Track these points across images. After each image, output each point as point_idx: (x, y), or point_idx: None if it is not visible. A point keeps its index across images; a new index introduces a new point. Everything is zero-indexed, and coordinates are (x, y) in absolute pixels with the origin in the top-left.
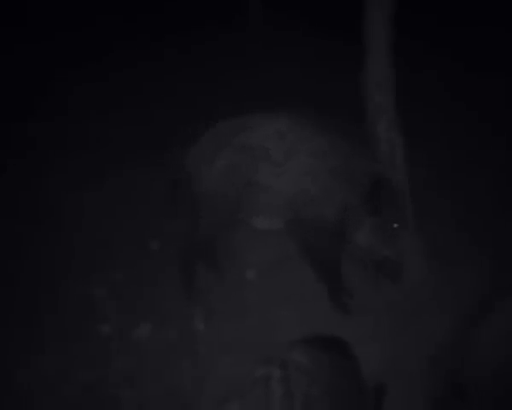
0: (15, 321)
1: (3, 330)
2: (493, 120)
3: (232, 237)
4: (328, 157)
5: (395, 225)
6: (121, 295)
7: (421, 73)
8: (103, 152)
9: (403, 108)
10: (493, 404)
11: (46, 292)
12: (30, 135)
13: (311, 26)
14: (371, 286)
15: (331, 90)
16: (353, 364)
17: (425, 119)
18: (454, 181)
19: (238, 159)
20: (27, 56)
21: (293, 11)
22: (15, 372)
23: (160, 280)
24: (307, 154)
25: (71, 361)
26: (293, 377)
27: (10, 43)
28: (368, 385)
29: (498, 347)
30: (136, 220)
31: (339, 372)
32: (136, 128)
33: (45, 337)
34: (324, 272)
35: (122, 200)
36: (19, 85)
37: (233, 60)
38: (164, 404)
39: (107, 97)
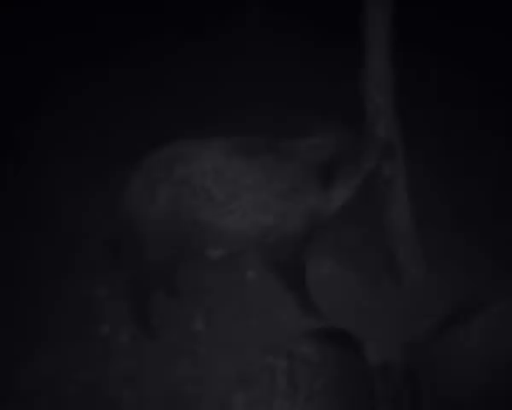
0: (15, 321)
1: (4, 330)
2: (493, 120)
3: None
4: (273, 183)
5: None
6: (121, 296)
7: (421, 73)
8: (104, 152)
9: (402, 108)
10: None
11: (46, 292)
12: (29, 135)
13: (309, 26)
14: (371, 286)
15: (331, 91)
16: (358, 357)
17: (424, 119)
18: (453, 181)
19: (179, 195)
20: (27, 57)
21: (292, 10)
22: (15, 372)
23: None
24: (249, 189)
25: (71, 361)
26: (298, 369)
27: (10, 44)
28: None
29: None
30: None
31: (343, 365)
32: (136, 128)
33: (45, 337)
34: (292, 283)
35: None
36: (18, 86)
37: (231, 59)
38: (164, 404)
39: (107, 98)
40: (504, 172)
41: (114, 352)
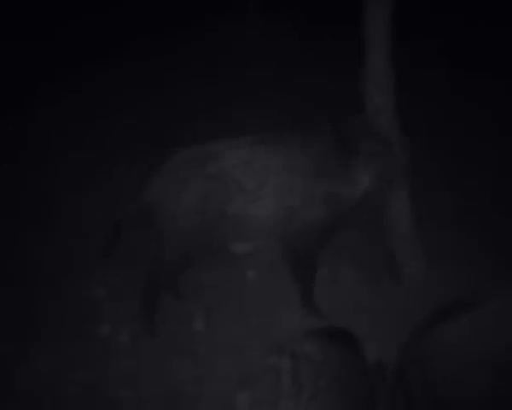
0: (15, 321)
1: (3, 330)
2: (493, 119)
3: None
4: (303, 166)
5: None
6: (120, 296)
7: (422, 72)
8: (103, 152)
9: (403, 107)
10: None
11: (46, 292)
12: (28, 135)
13: (310, 25)
14: (371, 286)
15: (331, 90)
16: (358, 356)
17: (425, 118)
18: (454, 181)
19: (210, 189)
20: (25, 56)
21: (292, 9)
22: (14, 373)
23: None
24: (278, 172)
25: (71, 361)
26: (302, 368)
27: (8, 42)
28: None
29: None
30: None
31: (346, 364)
32: (135, 127)
33: (45, 338)
34: (303, 275)
35: (122, 200)
36: (16, 85)
37: (231, 56)
38: (164, 404)
39: (107, 96)
40: (505, 172)
41: (114, 352)
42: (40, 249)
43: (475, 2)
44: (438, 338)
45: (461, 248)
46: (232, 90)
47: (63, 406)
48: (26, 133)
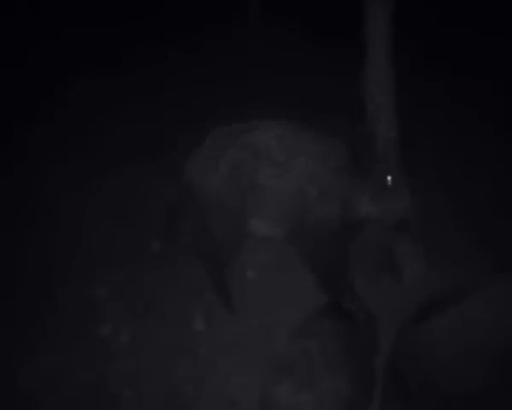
0: (16, 321)
1: (4, 330)
2: (493, 119)
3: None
4: (327, 158)
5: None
6: (121, 296)
7: (421, 72)
8: (103, 152)
9: (403, 108)
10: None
11: (46, 292)
12: (30, 135)
13: (310, 26)
14: (371, 286)
15: (331, 91)
16: (358, 327)
17: (425, 119)
18: (454, 181)
19: (241, 159)
20: (28, 58)
21: (293, 11)
22: (16, 372)
23: (160, 280)
24: (307, 155)
25: (71, 361)
26: (329, 345)
27: (10, 46)
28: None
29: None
30: (136, 221)
31: (351, 335)
32: (136, 128)
33: (45, 337)
34: (326, 276)
35: (122, 200)
36: (19, 87)
37: (233, 61)
38: (164, 404)
39: (108, 98)
40: (505, 172)
41: (115, 352)
42: (41, 249)
43: (475, 3)
44: (431, 331)
45: (461, 248)
46: (232, 95)
47: (64, 405)
48: (27, 134)
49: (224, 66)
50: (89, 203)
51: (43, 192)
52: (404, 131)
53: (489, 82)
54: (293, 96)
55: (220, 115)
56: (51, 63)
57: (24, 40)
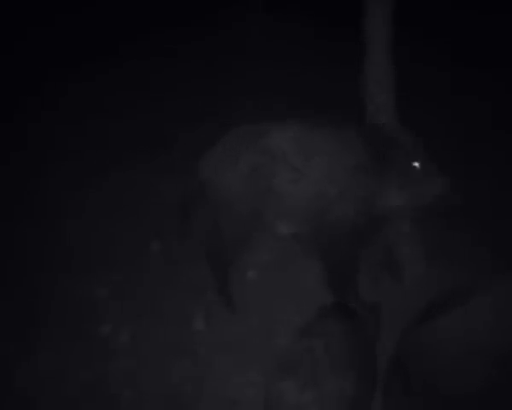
0: (15, 321)
1: (3, 330)
2: (493, 119)
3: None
4: (344, 156)
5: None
6: (121, 296)
7: (422, 71)
8: (103, 151)
9: (403, 108)
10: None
11: (46, 292)
12: (29, 134)
13: (310, 25)
14: (371, 286)
15: (330, 89)
16: (361, 325)
17: (425, 118)
18: (454, 181)
19: (259, 163)
20: (25, 56)
21: (293, 9)
22: (15, 372)
23: (160, 280)
24: (324, 155)
25: (71, 361)
26: (334, 344)
27: (7, 43)
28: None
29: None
30: (136, 220)
31: (353, 333)
32: (135, 127)
33: (45, 337)
34: (337, 278)
35: (122, 200)
36: (17, 85)
37: (232, 56)
38: (164, 404)
39: (107, 95)
40: (505, 172)
41: (114, 352)
42: (41, 249)
43: (476, 1)
44: (435, 331)
45: (460, 248)
46: (232, 91)
47: (63, 405)
48: (27, 133)
49: (224, 62)
50: (89, 203)
51: (43, 192)
52: (404, 130)
53: (490, 81)
54: (293, 95)
55: (220, 114)
56: (46, 61)
57: (18, 36)
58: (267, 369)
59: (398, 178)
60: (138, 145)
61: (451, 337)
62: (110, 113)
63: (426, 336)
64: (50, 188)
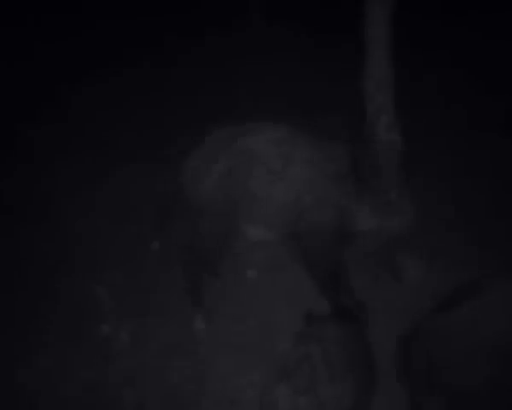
0: (16, 321)
1: (4, 330)
2: (493, 120)
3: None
4: (324, 164)
5: (392, 195)
6: (121, 295)
7: (421, 73)
8: (104, 153)
9: (403, 108)
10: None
11: (46, 292)
12: (32, 136)
13: (311, 27)
14: (371, 286)
15: (331, 91)
16: (361, 330)
17: (425, 119)
18: (454, 182)
19: (234, 165)
20: (31, 60)
21: (294, 12)
22: (16, 372)
23: (160, 280)
24: (303, 162)
25: (71, 361)
26: (332, 351)
27: (14, 48)
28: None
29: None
30: (136, 221)
31: (353, 338)
32: (135, 128)
33: (45, 337)
34: (324, 280)
35: (122, 200)
36: (22, 88)
37: (233, 61)
38: (164, 404)
39: (109, 99)
40: (504, 172)
41: (114, 352)
42: (41, 249)
43: (475, 3)
44: (441, 326)
45: (461, 248)
46: (232, 96)
47: (63, 405)
48: (29, 138)
49: (223, 66)
50: (89, 203)
51: (43, 193)
52: (404, 131)
53: (490, 81)
54: (294, 96)
55: (219, 115)
56: (51, 66)
57: (27, 42)
58: (267, 370)
59: (373, 200)
60: (138, 147)
61: (459, 334)
62: (111, 116)
63: (433, 333)
64: (51, 189)
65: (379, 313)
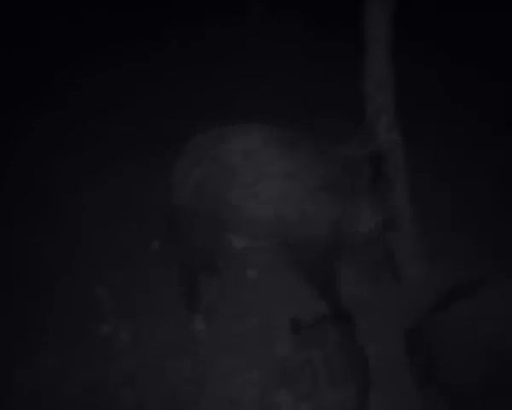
0: (16, 321)
1: (4, 330)
2: (493, 120)
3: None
4: (304, 177)
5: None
6: (121, 295)
7: (421, 72)
8: (103, 151)
9: (403, 108)
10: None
11: (46, 292)
12: (29, 134)
13: (310, 25)
14: (371, 286)
15: (330, 90)
16: (355, 331)
17: (425, 119)
18: (454, 181)
19: (209, 174)
20: (27, 54)
21: (293, 9)
22: (15, 372)
23: (160, 280)
24: (279, 176)
25: (71, 361)
26: (334, 356)
27: (10, 42)
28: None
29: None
30: (136, 220)
31: (350, 340)
32: (136, 126)
33: (45, 337)
34: (321, 286)
35: (122, 199)
36: (18, 84)
37: (232, 56)
38: (164, 404)
39: (107, 95)
40: (505, 172)
41: (114, 352)
42: (41, 248)
43: (475, 3)
44: (439, 324)
45: (461, 248)
46: (231, 91)
47: (63, 405)
48: (27, 135)
49: (223, 62)
50: (88, 203)
51: (42, 192)
52: (405, 131)
53: (490, 82)
54: (293, 95)
55: (219, 113)
56: (48, 60)
57: (21, 35)
58: (267, 370)
59: (373, 200)
60: (138, 146)
61: (456, 333)
62: (110, 113)
63: (431, 332)
64: (50, 188)
65: (379, 313)
